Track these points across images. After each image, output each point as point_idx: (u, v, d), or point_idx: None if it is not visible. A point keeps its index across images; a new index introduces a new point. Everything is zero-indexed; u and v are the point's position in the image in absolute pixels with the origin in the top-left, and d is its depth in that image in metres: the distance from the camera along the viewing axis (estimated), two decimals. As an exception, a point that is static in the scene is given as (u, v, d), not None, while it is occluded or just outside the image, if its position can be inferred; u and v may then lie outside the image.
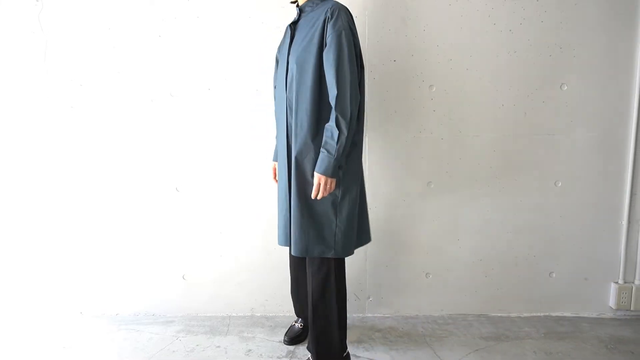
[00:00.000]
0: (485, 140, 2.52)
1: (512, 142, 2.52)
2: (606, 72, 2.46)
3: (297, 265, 2.26)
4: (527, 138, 2.51)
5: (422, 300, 2.65)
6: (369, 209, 2.23)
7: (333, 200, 1.90)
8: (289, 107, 1.94)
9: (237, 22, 2.45)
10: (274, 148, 2.34)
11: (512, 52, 2.45)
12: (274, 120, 2.16)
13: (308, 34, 1.88)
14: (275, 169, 2.31)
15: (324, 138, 1.82)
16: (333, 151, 1.79)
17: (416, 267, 2.64)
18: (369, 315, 2.65)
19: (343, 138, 1.79)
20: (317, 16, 1.89)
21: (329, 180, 1.82)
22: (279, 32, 2.33)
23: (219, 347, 2.31)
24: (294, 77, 1.89)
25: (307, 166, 1.89)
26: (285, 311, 2.64)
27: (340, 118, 1.78)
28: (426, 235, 2.61)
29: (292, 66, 1.90)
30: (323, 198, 1.88)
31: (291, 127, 1.94)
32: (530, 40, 2.44)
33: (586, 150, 2.52)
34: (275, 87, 2.12)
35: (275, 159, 2.27)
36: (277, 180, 2.18)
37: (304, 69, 1.87)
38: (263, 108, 2.48)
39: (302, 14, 1.99)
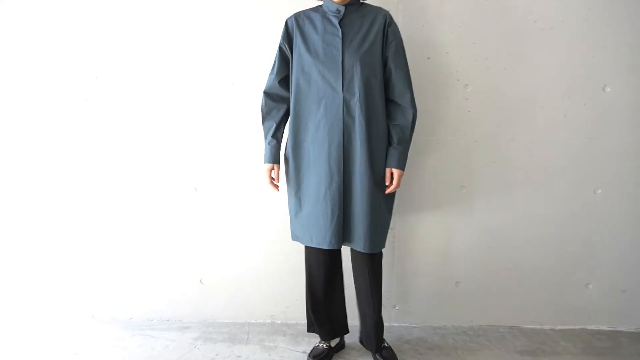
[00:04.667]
0: (522, 144, 2.39)
1: (550, 146, 2.39)
2: (652, 74, 2.33)
3: (333, 275, 2.16)
4: (566, 142, 2.38)
5: (451, 310, 2.52)
6: (396, 213, 2.26)
7: (394, 193, 2.06)
8: (346, 107, 1.91)
9: (259, 15, 2.34)
10: (265, 147, 2.07)
11: (552, 51, 2.32)
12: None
13: (367, 36, 1.92)
14: (270, 172, 2.06)
15: (395, 135, 1.97)
16: (407, 147, 1.99)
17: (445, 275, 2.51)
18: (395, 324, 2.53)
19: (412, 134, 2.00)
20: (367, 19, 1.95)
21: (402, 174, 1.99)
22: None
23: (240, 356, 2.19)
24: (357, 77, 1.89)
25: (379, 163, 1.96)
26: (306, 319, 2.51)
27: (416, 116, 1.98)
28: (457, 242, 2.48)
29: (354, 66, 1.89)
30: (391, 195, 2.05)
31: (349, 127, 1.91)
32: (572, 39, 2.31)
33: (628, 156, 2.39)
34: (304, 84, 1.96)
35: (273, 160, 2.04)
36: (274, 186, 2.08)
37: (372, 70, 1.92)
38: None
39: (346, 13, 1.94)
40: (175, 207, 2.49)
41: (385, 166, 1.98)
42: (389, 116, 1.99)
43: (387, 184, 1.98)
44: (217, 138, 2.44)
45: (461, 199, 2.44)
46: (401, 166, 1.97)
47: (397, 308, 2.52)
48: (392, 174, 1.97)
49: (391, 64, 1.95)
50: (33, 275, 2.56)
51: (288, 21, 2.03)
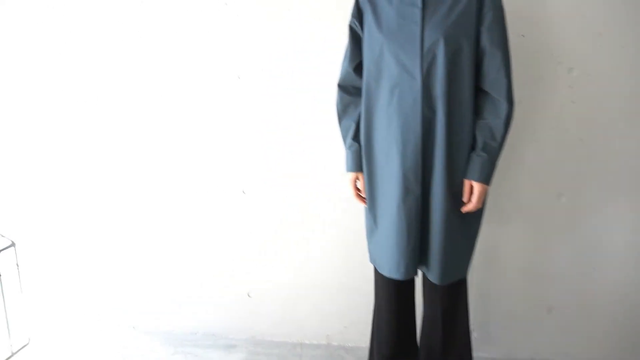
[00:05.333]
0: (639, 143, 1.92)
1: (678, 146, 1.90)
2: None
3: (404, 307, 1.79)
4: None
5: (541, 341, 2.10)
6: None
7: (481, 211, 1.63)
8: (426, 98, 1.50)
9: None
10: (346, 152, 1.73)
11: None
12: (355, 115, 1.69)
13: (456, 4, 1.48)
14: (355, 181, 1.73)
15: (480, 137, 1.53)
16: (496, 154, 1.54)
17: (535, 299, 2.09)
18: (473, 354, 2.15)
19: (505, 137, 1.54)
20: None
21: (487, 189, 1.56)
22: None
23: (291, 389, 1.91)
24: (440, 59, 1.47)
25: (459, 173, 1.55)
26: (367, 341, 2.18)
27: (512, 113, 1.53)
28: (550, 260, 2.05)
29: (437, 43, 1.47)
30: (476, 216, 1.63)
31: (428, 123, 1.51)
32: None
33: None
34: (374, 69, 1.58)
35: (356, 167, 1.69)
36: (360, 198, 1.71)
37: (461, 49, 1.49)
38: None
39: None
40: (220, 213, 2.22)
41: (463, 177, 1.56)
42: (476, 111, 1.56)
43: (464, 199, 1.56)
44: (268, 134, 2.12)
45: (558, 209, 2.00)
46: (484, 179, 1.53)
47: (475, 335, 2.13)
48: (471, 187, 1.55)
49: (485, 41, 1.50)
50: (75, 283, 2.39)
51: None
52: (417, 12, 1.49)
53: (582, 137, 1.94)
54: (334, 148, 2.05)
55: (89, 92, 2.21)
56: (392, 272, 1.59)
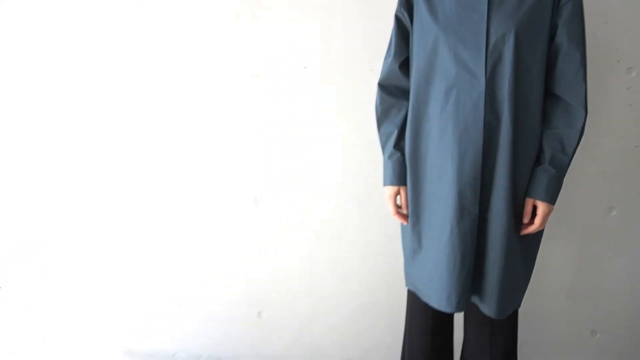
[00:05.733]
0: (701, 151, 1.72)
1: None
2: None
3: (443, 343, 1.57)
4: None
5: (584, 366, 1.93)
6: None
7: (541, 233, 1.40)
8: (490, 102, 1.26)
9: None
10: (384, 162, 1.48)
11: None
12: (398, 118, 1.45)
13: None
14: (394, 198, 1.47)
15: (549, 149, 1.31)
16: (565, 169, 1.32)
17: (577, 320, 1.90)
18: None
19: (576, 150, 1.31)
20: None
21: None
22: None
23: None
24: (508, 57, 1.24)
25: (522, 191, 1.33)
26: (391, 366, 1.99)
27: (585, 121, 1.29)
28: (596, 278, 1.86)
29: (507, 37, 1.24)
30: (535, 238, 1.40)
31: (492, 132, 1.28)
32: None
33: None
34: (426, 66, 1.34)
35: (398, 180, 1.44)
36: (401, 216, 1.46)
37: (533, 45, 1.26)
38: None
39: None
40: (230, 223, 1.97)
41: (525, 195, 1.33)
42: (544, 119, 1.33)
43: (525, 221, 1.33)
44: (284, 136, 1.88)
45: (609, 223, 1.80)
46: (551, 198, 1.31)
47: None
48: (534, 207, 1.33)
49: (562, 38, 1.27)
50: (63, 301, 2.13)
51: None
52: (483, 0, 1.25)
53: (639, 144, 1.74)
54: (364, 153, 1.82)
55: (85, 96, 1.94)
56: (442, 304, 1.36)
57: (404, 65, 1.42)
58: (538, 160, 1.33)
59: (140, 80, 1.90)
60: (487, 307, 1.37)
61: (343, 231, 1.92)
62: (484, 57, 1.24)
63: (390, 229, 1.81)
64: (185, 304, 2.06)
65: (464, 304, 1.35)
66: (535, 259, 1.44)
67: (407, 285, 1.54)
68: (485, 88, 1.25)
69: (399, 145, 1.43)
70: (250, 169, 1.91)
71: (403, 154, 1.43)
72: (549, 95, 1.33)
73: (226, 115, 1.88)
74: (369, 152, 1.81)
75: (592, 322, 1.89)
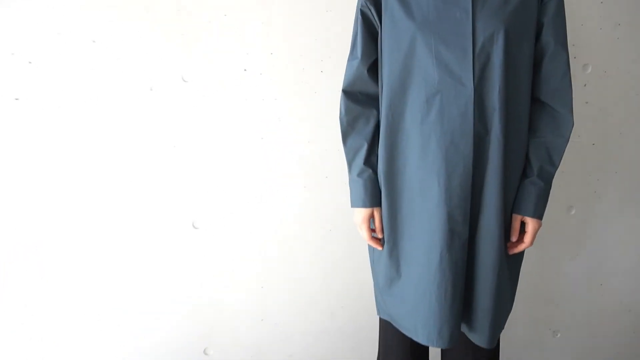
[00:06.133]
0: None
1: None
2: None
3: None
4: None
5: (547, 367, 1.90)
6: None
7: (524, 250, 1.26)
8: (479, 110, 1.12)
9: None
10: (352, 181, 1.28)
11: None
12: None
13: None
14: (368, 221, 1.27)
15: (536, 160, 1.21)
16: (551, 181, 1.22)
17: (539, 321, 1.86)
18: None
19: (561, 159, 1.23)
20: None
21: None
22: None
23: None
24: (497, 59, 1.10)
25: (510, 207, 1.21)
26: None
27: (572, 128, 1.20)
28: (556, 278, 1.83)
29: (495, 37, 1.10)
30: (519, 254, 1.28)
31: (481, 144, 1.14)
32: None
33: None
34: (402, 71, 1.17)
35: (371, 202, 1.25)
36: (375, 241, 1.28)
37: (520, 46, 1.13)
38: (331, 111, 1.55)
39: None
40: (167, 249, 1.69)
41: (512, 210, 1.22)
42: (529, 126, 1.22)
43: (513, 239, 1.22)
44: (223, 153, 1.63)
45: (568, 223, 1.77)
46: (540, 213, 1.21)
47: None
48: (522, 223, 1.22)
49: (549, 37, 1.15)
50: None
51: None
52: None
53: (595, 142, 1.71)
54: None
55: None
56: (432, 339, 1.20)
57: (373, 68, 1.24)
58: (524, 172, 1.22)
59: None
60: (478, 336, 1.24)
61: (302, 249, 1.73)
62: (471, 60, 1.09)
63: (350, 245, 1.65)
64: (119, 337, 1.75)
65: (456, 337, 1.20)
66: (519, 276, 1.34)
67: (380, 314, 1.37)
68: (474, 95, 1.10)
69: (369, 160, 1.25)
70: (187, 190, 1.64)
71: (375, 171, 1.25)
72: (534, 100, 1.21)
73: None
74: (321, 168, 1.63)
75: (553, 323, 1.87)
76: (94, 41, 1.51)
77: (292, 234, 1.71)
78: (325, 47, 1.59)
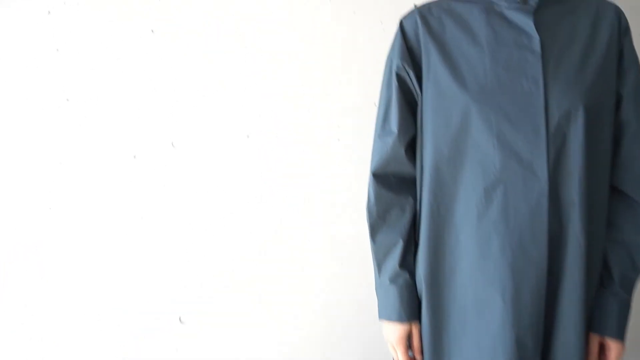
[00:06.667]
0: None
1: None
2: None
3: None
4: None
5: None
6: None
7: None
8: (554, 204, 0.91)
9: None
10: (382, 287, 1.07)
11: None
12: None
13: (591, 52, 0.92)
14: (404, 339, 1.04)
15: (617, 265, 0.97)
16: (633, 290, 0.98)
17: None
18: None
19: None
20: (582, 17, 0.94)
21: None
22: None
23: None
24: (577, 143, 0.90)
25: (587, 322, 0.97)
26: None
27: None
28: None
29: (571, 118, 0.89)
30: None
31: (557, 248, 0.92)
32: None
33: None
34: (451, 154, 0.96)
35: (408, 315, 1.02)
36: None
37: (600, 123, 0.93)
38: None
39: (543, 4, 0.93)
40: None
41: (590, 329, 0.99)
42: (606, 222, 1.00)
43: None
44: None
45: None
46: (623, 333, 0.98)
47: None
48: (601, 345, 0.99)
49: (629, 113, 0.94)
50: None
51: (406, 22, 1.01)
52: (536, 61, 0.87)
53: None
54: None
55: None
56: None
57: (411, 146, 1.01)
58: (602, 283, 0.99)
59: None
60: None
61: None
62: (545, 143, 0.88)
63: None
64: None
65: None
66: None
67: None
68: (549, 187, 0.89)
69: (405, 261, 1.03)
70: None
71: (412, 275, 1.03)
72: (611, 189, 1.00)
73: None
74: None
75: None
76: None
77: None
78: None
